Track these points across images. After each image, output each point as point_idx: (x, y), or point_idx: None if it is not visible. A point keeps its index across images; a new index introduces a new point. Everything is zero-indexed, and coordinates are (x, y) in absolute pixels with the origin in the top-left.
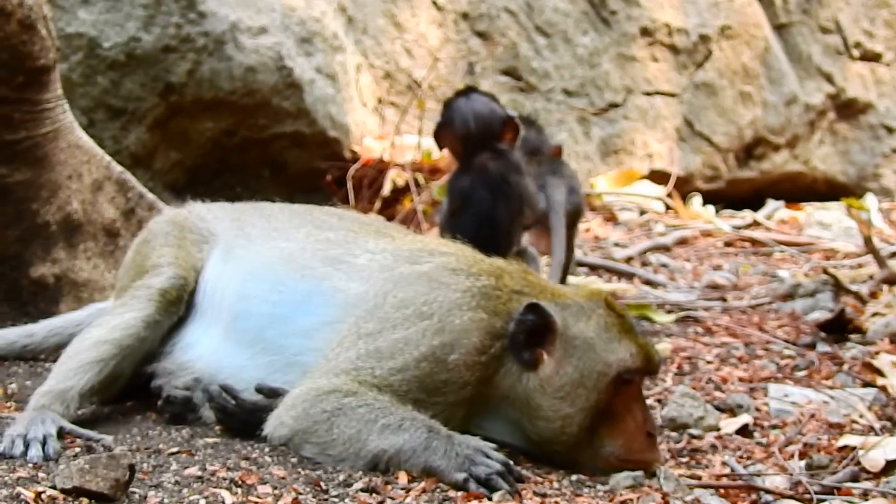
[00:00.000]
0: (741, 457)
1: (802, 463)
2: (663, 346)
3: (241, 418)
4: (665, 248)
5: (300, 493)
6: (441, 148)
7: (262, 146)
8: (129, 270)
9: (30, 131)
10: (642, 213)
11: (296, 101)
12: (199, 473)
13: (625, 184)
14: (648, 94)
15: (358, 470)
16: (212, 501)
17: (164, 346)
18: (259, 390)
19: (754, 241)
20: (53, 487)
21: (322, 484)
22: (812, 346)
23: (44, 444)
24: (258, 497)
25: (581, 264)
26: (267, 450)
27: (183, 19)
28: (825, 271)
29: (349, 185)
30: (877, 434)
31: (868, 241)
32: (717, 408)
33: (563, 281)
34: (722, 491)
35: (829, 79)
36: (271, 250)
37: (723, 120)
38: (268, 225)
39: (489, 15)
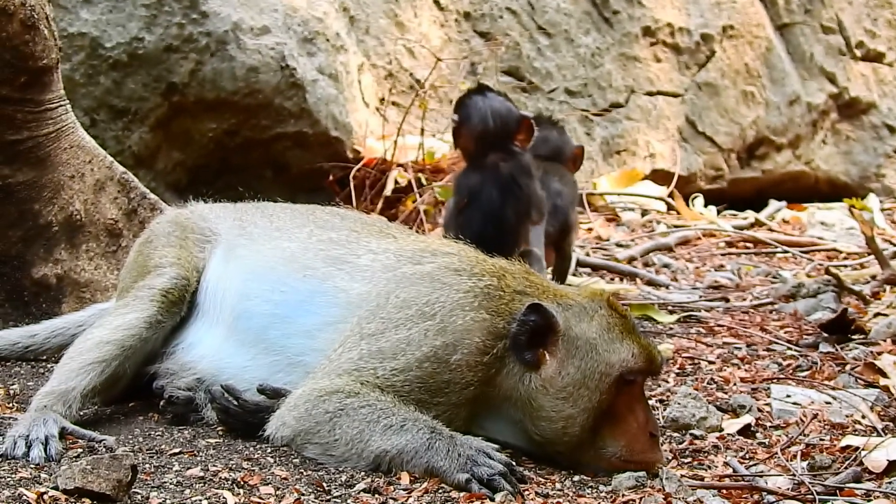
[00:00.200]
0: (743, 457)
1: (805, 464)
2: (665, 347)
3: (244, 419)
4: (667, 249)
5: (302, 494)
6: (458, 145)
7: (264, 146)
8: (132, 271)
9: (32, 131)
10: (644, 213)
11: (298, 102)
12: (202, 474)
13: (627, 184)
14: (651, 94)
15: (360, 470)
16: (214, 502)
17: (166, 347)
18: (261, 391)
19: (756, 242)
20: (55, 488)
21: (324, 485)
22: (814, 347)
23: (46, 444)
24: (260, 498)
25: (583, 265)
26: (269, 450)
27: (185, 19)
28: (827, 272)
29: (351, 185)
30: (879, 435)
31: (870, 241)
32: (720, 408)
33: (563, 282)
34: (724, 492)
35: (831, 79)
36: (273, 250)
37: (725, 120)
38: (270, 225)
39: (491, 15)
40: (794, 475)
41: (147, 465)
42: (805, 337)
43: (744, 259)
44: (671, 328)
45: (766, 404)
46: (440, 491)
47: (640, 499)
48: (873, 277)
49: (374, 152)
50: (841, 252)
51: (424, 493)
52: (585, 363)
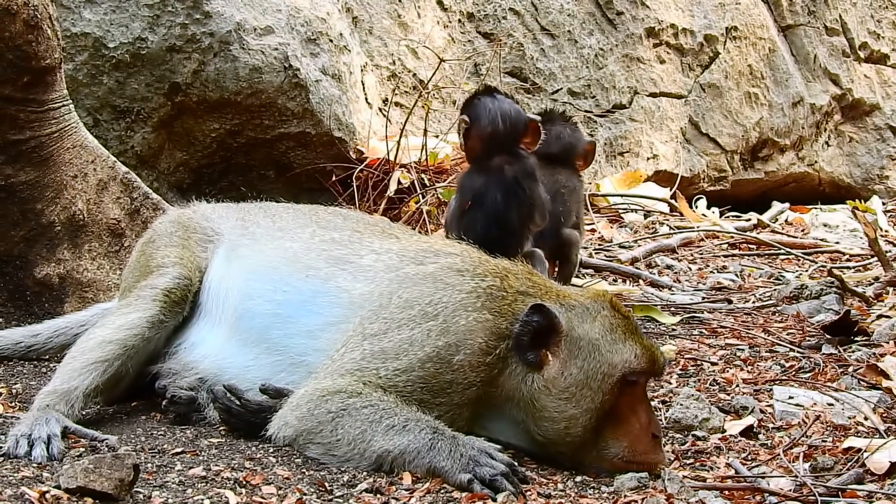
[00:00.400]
0: (746, 459)
1: (807, 465)
2: (668, 348)
3: (246, 419)
4: (670, 250)
5: (304, 494)
6: (467, 146)
7: (267, 146)
8: (134, 271)
9: (35, 131)
10: (647, 214)
11: (301, 102)
12: (204, 473)
13: (630, 185)
14: (654, 95)
15: (362, 470)
16: (216, 501)
17: (168, 347)
18: (263, 390)
19: (759, 243)
20: (58, 487)
21: (326, 484)
22: (817, 349)
23: (48, 443)
24: (262, 497)
25: (586, 266)
26: (271, 450)
27: (188, 19)
28: (830, 273)
29: (354, 185)
30: (882, 436)
31: (874, 243)
32: (722, 409)
33: (567, 283)
34: (726, 493)
35: (834, 80)
36: (276, 250)
37: (728, 121)
38: (272, 225)
39: (495, 16)
40: (796, 477)
41: (149, 465)
42: (808, 338)
43: (747, 261)
44: (674, 329)
45: (769, 406)
46: (442, 491)
47: (643, 500)
48: (876, 279)
49: (377, 153)
50: (844, 254)
51: (426, 493)
52: (588, 364)
